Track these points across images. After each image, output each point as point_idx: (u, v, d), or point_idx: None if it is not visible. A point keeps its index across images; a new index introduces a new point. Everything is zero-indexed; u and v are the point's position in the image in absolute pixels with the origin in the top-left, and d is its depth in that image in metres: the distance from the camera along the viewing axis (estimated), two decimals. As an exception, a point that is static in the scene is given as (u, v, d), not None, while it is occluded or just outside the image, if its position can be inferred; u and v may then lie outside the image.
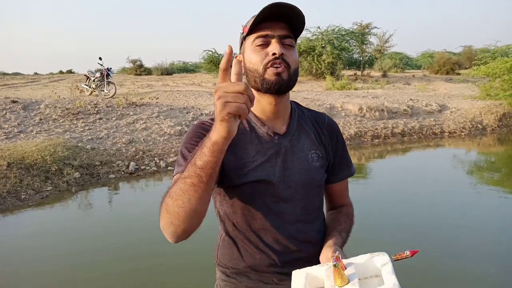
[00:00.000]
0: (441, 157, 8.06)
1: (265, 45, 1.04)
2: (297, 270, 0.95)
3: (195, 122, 1.14)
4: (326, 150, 1.20)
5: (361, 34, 22.52)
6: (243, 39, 1.09)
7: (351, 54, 23.22)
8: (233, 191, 1.10)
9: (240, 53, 1.13)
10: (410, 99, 11.84)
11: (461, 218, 4.38)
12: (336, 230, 1.16)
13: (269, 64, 1.02)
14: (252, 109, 1.13)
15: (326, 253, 1.04)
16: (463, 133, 9.81)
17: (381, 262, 0.90)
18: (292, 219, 1.12)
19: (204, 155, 0.82)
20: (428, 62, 29.74)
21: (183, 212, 0.85)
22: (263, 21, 1.02)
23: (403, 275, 0.92)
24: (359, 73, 23.44)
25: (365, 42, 23.19)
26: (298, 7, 1.00)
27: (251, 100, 0.77)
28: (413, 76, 23.48)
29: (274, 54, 1.02)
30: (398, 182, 6.09)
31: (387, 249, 0.94)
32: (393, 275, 0.85)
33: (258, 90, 1.08)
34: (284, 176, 1.10)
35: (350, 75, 21.41)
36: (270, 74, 1.03)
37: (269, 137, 1.12)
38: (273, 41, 1.03)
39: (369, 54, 25.10)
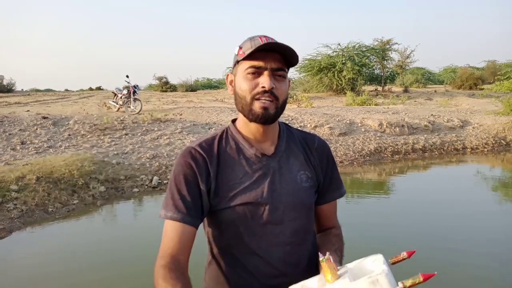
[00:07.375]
0: (463, 173, 7.95)
1: (257, 74, 1.04)
2: (294, 285, 0.96)
3: (183, 147, 1.15)
4: (316, 172, 1.18)
5: (382, 50, 22.49)
6: (237, 62, 1.08)
7: (372, 70, 23.17)
8: (220, 214, 1.08)
9: (232, 73, 1.13)
10: (431, 114, 11.75)
11: (485, 238, 4.29)
12: (331, 250, 1.11)
13: (257, 96, 1.04)
14: (240, 130, 1.15)
15: None
16: (485, 149, 9.66)
17: (373, 259, 0.91)
18: (280, 242, 1.09)
19: None
20: (450, 77, 29.41)
21: None
22: (259, 50, 1.01)
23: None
24: (380, 88, 23.33)
25: (386, 58, 23.13)
26: (292, 48, 1.02)
27: None
28: (435, 91, 23.21)
29: (263, 87, 1.02)
30: (419, 198, 6.04)
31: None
32: (384, 265, 0.85)
33: (245, 116, 1.09)
34: (272, 198, 1.08)
35: (371, 91, 21.33)
36: (256, 107, 1.04)
37: (257, 159, 1.11)
38: (265, 73, 1.03)
39: (390, 70, 24.98)
